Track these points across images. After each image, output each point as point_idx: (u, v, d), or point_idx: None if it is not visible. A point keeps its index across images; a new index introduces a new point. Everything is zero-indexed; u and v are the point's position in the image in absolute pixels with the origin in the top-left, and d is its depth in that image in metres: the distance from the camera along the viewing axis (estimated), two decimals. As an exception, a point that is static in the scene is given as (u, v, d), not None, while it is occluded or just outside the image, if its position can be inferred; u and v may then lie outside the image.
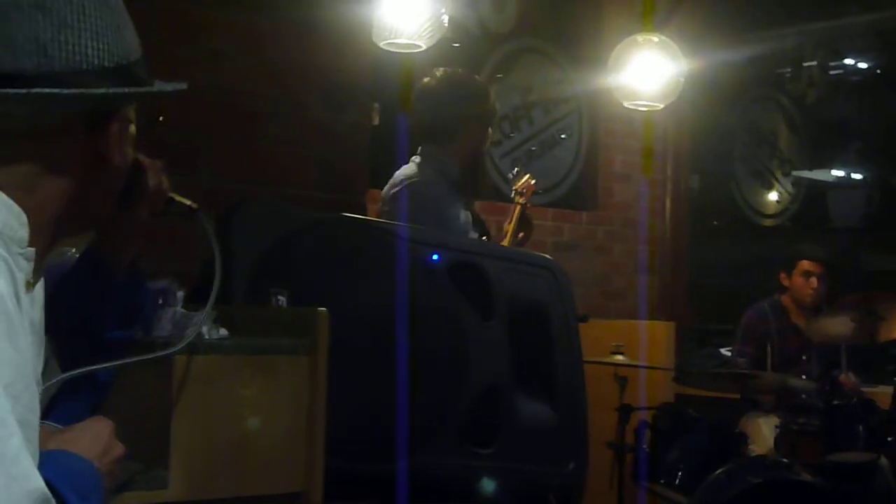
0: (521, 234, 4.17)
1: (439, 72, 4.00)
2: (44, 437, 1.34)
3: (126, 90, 1.38)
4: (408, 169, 3.80)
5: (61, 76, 1.31)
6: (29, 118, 1.33)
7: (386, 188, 3.82)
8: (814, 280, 5.72)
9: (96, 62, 1.34)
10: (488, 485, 2.86)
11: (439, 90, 3.88)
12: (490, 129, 4.02)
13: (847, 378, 5.20)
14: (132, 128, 1.51)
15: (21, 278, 1.30)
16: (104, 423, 1.56)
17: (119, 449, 1.56)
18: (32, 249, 1.34)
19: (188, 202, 1.88)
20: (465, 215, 3.82)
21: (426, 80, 3.97)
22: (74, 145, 1.38)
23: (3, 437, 1.16)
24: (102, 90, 1.34)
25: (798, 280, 5.77)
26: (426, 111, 3.87)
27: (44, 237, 1.37)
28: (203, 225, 1.88)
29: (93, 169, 1.40)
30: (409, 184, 3.70)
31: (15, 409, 1.19)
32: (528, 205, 4.29)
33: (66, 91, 1.31)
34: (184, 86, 1.49)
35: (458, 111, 3.83)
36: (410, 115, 3.95)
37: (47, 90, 1.29)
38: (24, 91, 1.29)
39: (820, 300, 5.74)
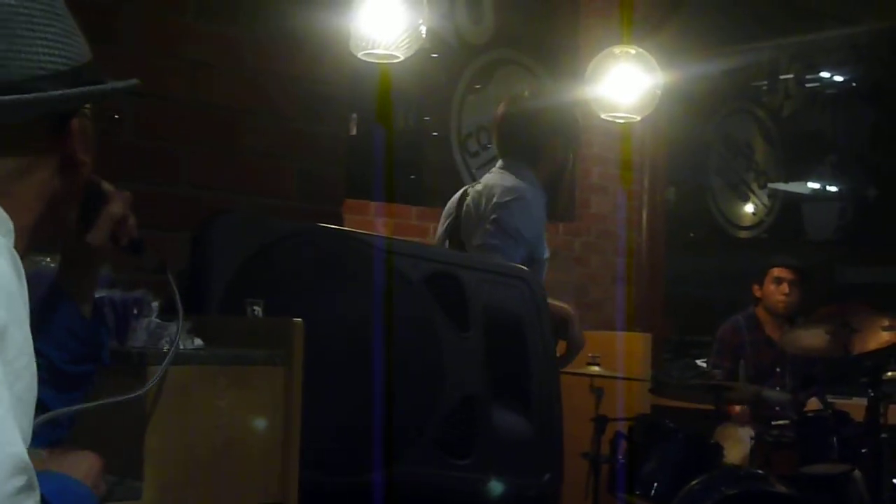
0: None
1: (533, 87, 4.05)
2: (40, 464, 1.36)
3: (84, 89, 1.44)
4: (505, 179, 3.80)
5: (21, 84, 1.37)
6: None
7: (474, 193, 3.82)
8: (785, 286, 5.77)
9: (51, 67, 1.40)
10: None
11: (535, 107, 3.91)
12: (572, 154, 4.04)
13: (815, 403, 5.25)
14: (92, 136, 1.55)
15: (21, 267, 1.32)
16: (94, 458, 1.60)
17: (103, 489, 1.61)
18: (17, 254, 1.36)
19: (156, 256, 1.87)
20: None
21: (521, 93, 4.04)
22: (41, 148, 1.43)
23: None
24: (60, 91, 1.40)
25: (769, 287, 5.81)
26: (519, 126, 3.88)
27: (24, 240, 1.41)
28: (170, 283, 1.89)
29: (62, 171, 1.46)
30: (521, 196, 3.70)
31: (14, 386, 1.20)
32: None
33: (25, 96, 1.36)
34: (135, 81, 1.53)
35: (551, 132, 3.86)
36: (497, 126, 3.97)
37: (12, 97, 1.35)
38: None
39: (792, 307, 5.77)
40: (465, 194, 3.92)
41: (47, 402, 1.71)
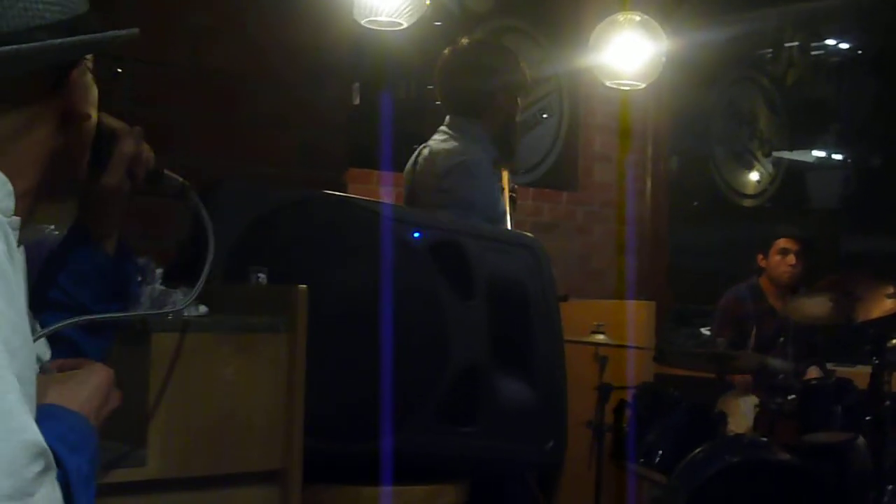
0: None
1: (465, 41, 3.93)
2: (43, 387, 1.35)
3: (83, 37, 1.40)
4: (447, 143, 3.71)
5: (16, 35, 1.33)
6: None
7: (422, 161, 3.73)
8: (791, 257, 5.76)
9: (48, 16, 1.36)
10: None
11: (468, 60, 3.79)
12: (520, 100, 3.91)
13: (814, 372, 5.25)
14: (93, 89, 1.52)
15: (13, 241, 1.31)
16: (104, 373, 1.54)
17: (116, 399, 1.56)
18: (18, 219, 1.35)
19: (179, 178, 1.85)
20: (500, 191, 3.76)
21: (451, 49, 3.86)
22: (41, 103, 1.40)
23: (1, 391, 1.17)
24: (59, 40, 1.36)
25: (775, 258, 5.80)
26: (455, 82, 3.77)
27: (27, 203, 1.39)
28: (194, 203, 1.86)
29: (63, 126, 1.43)
30: (463, 162, 3.62)
31: (12, 365, 1.20)
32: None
33: (23, 46, 1.32)
34: (136, 31, 1.49)
35: (489, 82, 3.73)
36: (438, 82, 3.86)
37: (7, 48, 1.31)
38: None
39: (797, 278, 5.77)
40: (416, 160, 3.83)
41: (80, 343, 1.70)
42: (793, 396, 4.74)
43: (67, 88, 1.43)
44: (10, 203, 1.34)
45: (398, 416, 2.77)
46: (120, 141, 1.71)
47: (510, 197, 4.00)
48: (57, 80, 1.42)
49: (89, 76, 1.50)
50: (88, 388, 1.50)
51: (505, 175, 4.03)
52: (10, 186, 1.34)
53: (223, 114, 3.31)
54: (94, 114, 1.52)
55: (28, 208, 1.40)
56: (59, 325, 1.54)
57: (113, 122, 1.71)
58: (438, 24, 5.87)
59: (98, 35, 1.43)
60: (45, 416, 1.30)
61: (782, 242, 5.80)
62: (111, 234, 1.79)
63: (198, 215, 1.86)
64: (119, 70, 1.64)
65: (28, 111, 1.39)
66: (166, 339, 2.17)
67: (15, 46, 1.32)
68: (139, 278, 2.30)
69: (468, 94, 3.72)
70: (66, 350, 1.59)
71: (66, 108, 1.43)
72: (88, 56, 1.50)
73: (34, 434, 1.20)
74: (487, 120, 3.74)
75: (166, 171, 1.82)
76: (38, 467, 1.19)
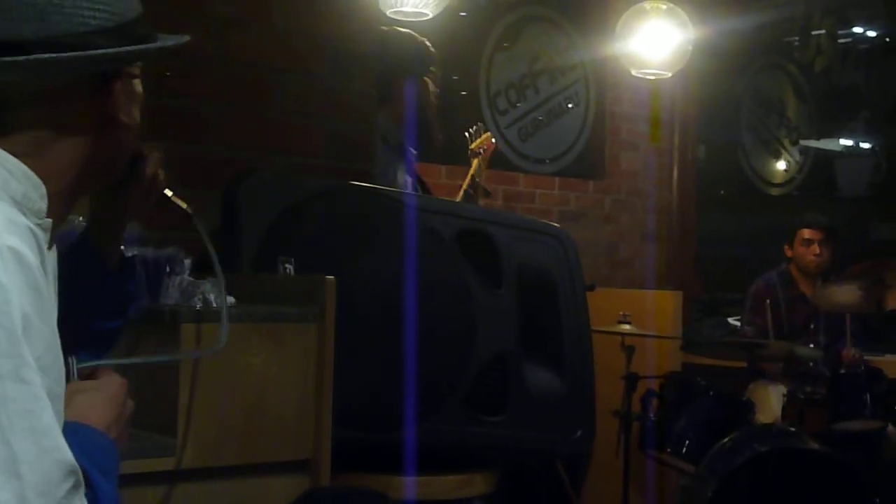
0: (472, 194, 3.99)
1: (377, 30, 3.88)
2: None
3: (126, 49, 1.38)
4: None
5: (61, 40, 1.31)
6: (34, 84, 1.33)
7: None
8: (815, 247, 5.72)
9: (94, 23, 1.34)
10: None
11: (373, 51, 3.73)
12: (431, 86, 3.85)
13: (849, 352, 5.20)
14: (139, 88, 1.51)
15: (45, 247, 1.32)
16: (117, 383, 1.55)
17: (131, 406, 1.56)
18: (50, 221, 1.36)
19: (183, 204, 1.86)
20: (404, 179, 3.71)
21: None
22: (81, 108, 1.39)
23: (36, 410, 1.19)
24: (102, 50, 1.34)
25: (799, 249, 5.77)
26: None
27: (59, 205, 1.39)
28: (197, 228, 1.88)
29: (102, 131, 1.41)
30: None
31: (44, 382, 1.22)
32: (484, 165, 4.09)
33: (64, 55, 1.31)
34: (186, 38, 1.48)
35: (388, 70, 3.67)
36: None
37: (46, 55, 1.30)
38: (23, 58, 1.29)
39: (824, 266, 5.73)
40: None
41: (78, 358, 1.71)
42: (822, 385, 4.72)
43: (109, 96, 1.41)
44: (42, 205, 1.34)
45: (427, 405, 2.78)
46: (142, 162, 1.72)
47: (466, 192, 3.96)
48: (99, 86, 1.39)
49: (136, 82, 1.48)
50: (106, 401, 1.50)
51: (474, 165, 4.00)
52: (43, 189, 1.34)
53: (251, 105, 3.32)
54: (137, 118, 1.50)
55: (61, 210, 1.39)
56: (103, 362, 1.57)
57: (137, 143, 1.71)
58: (464, 14, 5.87)
59: (141, 47, 1.41)
60: (74, 435, 1.31)
61: (805, 233, 5.76)
62: (116, 250, 1.80)
63: (202, 238, 1.88)
64: (168, 73, 1.62)
65: (68, 115, 1.37)
66: (195, 330, 2.18)
67: (54, 55, 1.30)
68: (167, 269, 2.32)
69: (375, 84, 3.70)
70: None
71: (107, 115, 1.41)
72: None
73: (66, 453, 1.22)
74: (390, 107, 3.70)
75: (173, 196, 1.83)
76: (68, 485, 1.21)
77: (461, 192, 4.01)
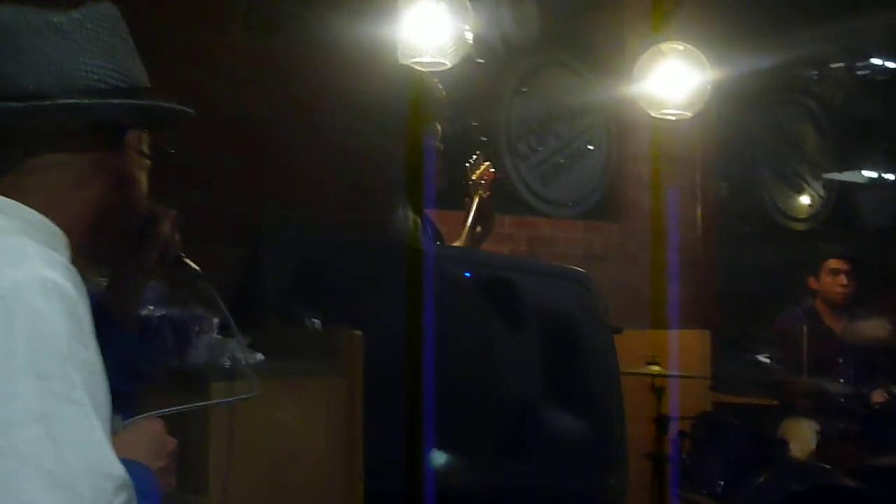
0: (478, 229, 3.91)
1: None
2: None
3: (141, 102, 1.48)
4: None
5: (80, 94, 1.41)
6: (53, 134, 1.42)
7: None
8: (842, 277, 5.69)
9: (111, 83, 1.44)
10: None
11: (388, 99, 3.77)
12: (437, 127, 3.84)
13: (880, 395, 5.16)
14: (146, 161, 1.58)
15: (83, 287, 1.36)
16: (156, 423, 1.61)
17: (172, 443, 1.62)
18: (75, 270, 1.38)
19: (195, 266, 1.88)
20: (406, 218, 3.71)
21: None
22: (95, 163, 1.46)
23: (87, 428, 1.24)
24: (118, 101, 1.44)
25: (826, 279, 5.74)
26: None
27: (78, 258, 1.43)
28: (208, 291, 1.90)
29: (115, 187, 1.49)
30: None
31: (93, 404, 1.27)
32: (486, 195, 4.04)
33: (85, 101, 1.40)
34: (191, 112, 1.57)
35: (397, 115, 3.64)
36: None
37: (68, 101, 1.39)
38: (47, 103, 1.38)
39: (850, 297, 5.70)
40: None
41: None
42: (855, 420, 4.68)
43: (121, 150, 1.49)
44: (66, 254, 1.40)
45: (456, 454, 2.77)
46: (158, 222, 1.76)
47: (480, 202, 3.92)
48: (112, 140, 1.47)
49: (145, 148, 1.55)
50: (145, 439, 1.57)
51: (475, 200, 3.95)
52: (64, 239, 1.41)
53: (269, 160, 3.34)
54: (144, 182, 1.57)
55: (79, 264, 1.43)
56: (145, 414, 1.59)
57: (151, 204, 1.74)
58: (481, 60, 5.90)
59: (155, 102, 1.50)
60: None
61: (832, 263, 5.74)
62: (134, 312, 1.83)
63: (212, 301, 1.90)
64: (172, 151, 1.67)
65: (84, 166, 1.45)
66: (225, 388, 2.18)
67: (75, 101, 1.39)
68: (195, 329, 2.33)
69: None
70: None
71: (119, 170, 1.49)
72: (144, 134, 1.55)
73: (118, 468, 1.26)
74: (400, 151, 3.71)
75: (186, 259, 1.85)
76: (121, 500, 1.25)
77: (466, 228, 3.95)
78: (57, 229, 1.40)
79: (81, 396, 1.24)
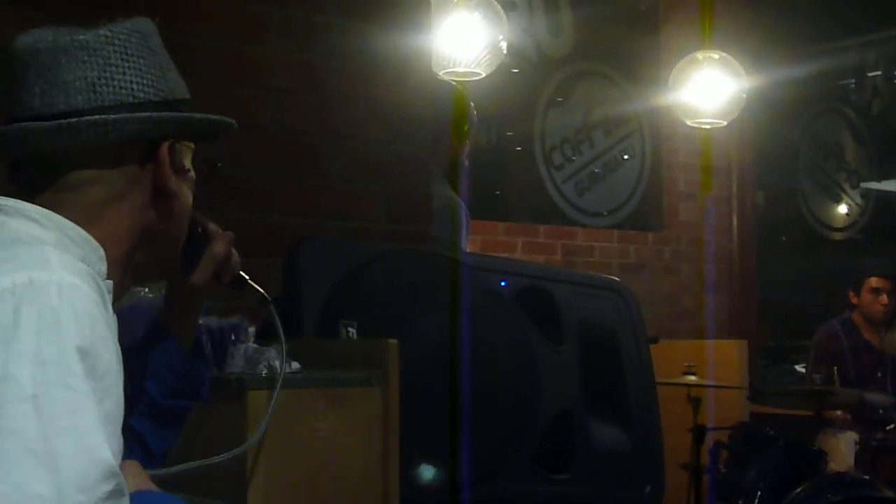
0: None
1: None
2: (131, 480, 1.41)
3: (170, 114, 1.49)
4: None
5: (110, 110, 1.43)
6: (87, 150, 1.43)
7: None
8: (883, 296, 5.66)
9: (142, 96, 1.46)
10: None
11: (424, 110, 3.78)
12: (468, 147, 3.91)
13: None
14: (190, 174, 1.58)
15: (108, 297, 1.37)
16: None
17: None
18: (111, 281, 1.40)
19: (261, 290, 1.89)
20: (446, 198, 3.75)
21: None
22: (130, 176, 1.47)
23: (80, 411, 1.23)
24: (147, 114, 1.45)
25: (867, 297, 5.71)
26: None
27: (118, 273, 1.45)
28: (273, 318, 1.92)
29: (154, 201, 1.50)
30: (442, 202, 3.65)
31: (104, 402, 1.26)
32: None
33: (112, 116, 1.42)
34: (232, 121, 1.59)
35: (442, 119, 3.74)
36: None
37: (96, 117, 1.41)
38: (75, 120, 1.40)
39: (890, 315, 5.67)
40: None
41: (144, 434, 1.74)
42: (895, 432, 4.64)
43: (156, 163, 1.49)
44: (102, 267, 1.41)
45: (493, 465, 2.77)
46: (212, 242, 1.76)
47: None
48: (147, 153, 1.48)
49: (187, 161, 1.56)
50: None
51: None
52: (102, 252, 1.41)
53: (308, 171, 3.36)
54: (187, 195, 1.57)
55: (121, 279, 1.44)
56: (162, 471, 1.63)
57: (206, 222, 1.76)
58: (516, 70, 5.91)
59: (184, 115, 1.51)
60: (139, 499, 1.34)
61: (874, 282, 5.70)
62: (190, 332, 1.83)
63: (275, 327, 1.91)
64: (219, 164, 1.68)
65: (119, 182, 1.46)
66: (262, 397, 2.19)
67: (103, 116, 1.41)
68: (232, 338, 2.34)
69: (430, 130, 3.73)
70: (133, 444, 1.62)
71: (156, 183, 1.50)
72: (185, 146, 1.56)
73: (107, 455, 1.24)
74: (440, 155, 3.76)
75: (250, 280, 1.86)
76: (109, 486, 1.23)
77: None
78: (94, 242, 1.41)
79: (79, 384, 1.23)
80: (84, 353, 1.25)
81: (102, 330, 1.30)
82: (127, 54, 1.46)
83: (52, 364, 1.22)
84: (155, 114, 1.46)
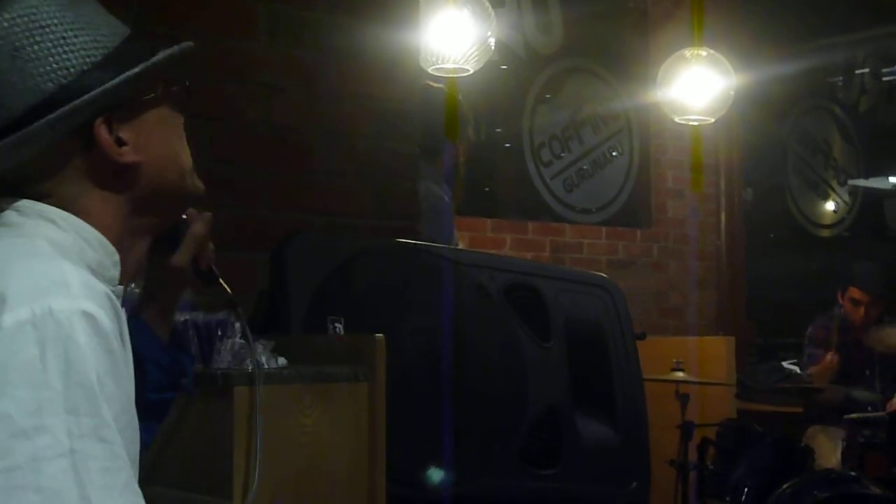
0: None
1: (431, 84, 3.95)
2: None
3: (91, 94, 1.33)
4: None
5: (56, 98, 1.31)
6: (20, 166, 1.33)
7: None
8: (861, 309, 5.70)
9: (80, 64, 1.33)
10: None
11: (429, 108, 3.80)
12: (463, 148, 3.96)
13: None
14: (166, 110, 1.47)
15: (123, 316, 1.35)
16: None
17: None
18: (122, 288, 1.39)
19: (229, 290, 1.87)
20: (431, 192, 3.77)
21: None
22: (82, 166, 1.37)
23: (114, 469, 1.21)
24: (54, 114, 1.31)
25: (848, 305, 5.77)
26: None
27: (123, 258, 1.40)
28: (237, 315, 1.90)
29: (118, 177, 1.39)
30: (435, 201, 3.68)
31: (120, 444, 1.24)
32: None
33: (23, 133, 1.30)
34: (190, 44, 1.43)
35: (431, 130, 3.74)
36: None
37: (33, 126, 1.30)
38: (11, 137, 1.30)
39: (869, 324, 5.70)
40: None
41: None
42: (882, 429, 4.65)
43: (96, 143, 1.36)
44: (115, 273, 1.37)
45: (480, 460, 2.77)
46: (191, 223, 1.72)
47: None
48: (83, 142, 1.36)
49: (162, 108, 1.44)
50: None
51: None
52: (117, 257, 1.37)
53: (296, 168, 3.35)
54: (173, 142, 1.47)
55: (125, 272, 1.41)
56: None
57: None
58: (505, 67, 5.91)
59: (131, 73, 1.35)
60: None
61: (854, 293, 5.74)
62: (167, 321, 1.80)
63: (241, 327, 1.90)
64: (188, 83, 1.52)
65: (75, 175, 1.36)
66: (248, 393, 2.19)
67: (41, 122, 1.30)
68: (218, 333, 2.34)
69: (429, 140, 3.74)
70: None
71: (110, 165, 1.38)
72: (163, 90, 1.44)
73: None
74: (439, 164, 3.79)
75: (221, 280, 1.84)
76: None
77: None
78: (111, 246, 1.36)
79: (111, 435, 1.21)
80: (109, 397, 1.22)
81: (119, 364, 1.27)
82: (42, 29, 1.31)
83: (85, 414, 1.19)
84: (65, 107, 1.30)
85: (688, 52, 4.97)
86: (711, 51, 4.98)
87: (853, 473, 4.29)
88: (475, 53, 4.01)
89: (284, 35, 3.34)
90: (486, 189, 6.05)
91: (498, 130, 6.07)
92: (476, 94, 5.36)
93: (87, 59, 1.34)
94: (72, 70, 1.33)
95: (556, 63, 6.26)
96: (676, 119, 5.13)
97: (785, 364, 6.52)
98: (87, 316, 1.23)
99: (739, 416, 5.23)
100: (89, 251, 1.34)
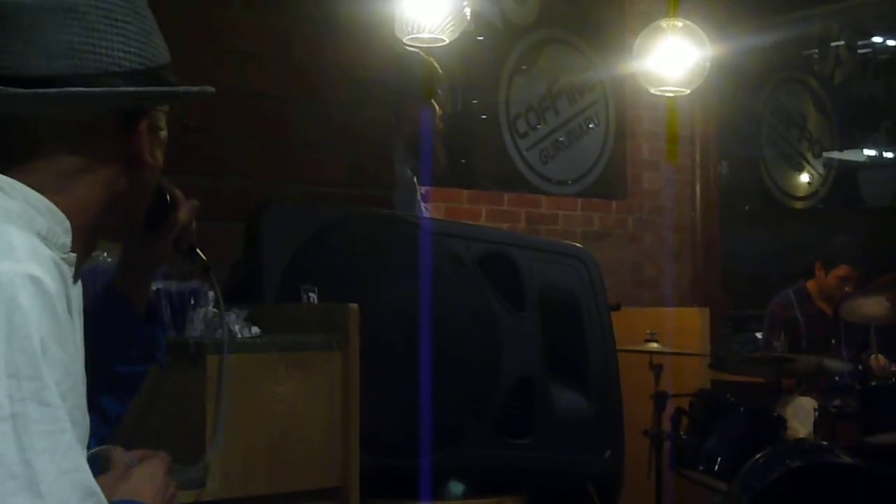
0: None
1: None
2: (108, 488, 1.40)
3: (154, 89, 1.42)
4: None
5: (93, 78, 1.36)
6: (63, 118, 1.37)
7: None
8: (849, 287, 5.68)
9: (126, 65, 1.39)
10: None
11: (386, 76, 3.77)
12: (437, 109, 3.89)
13: (877, 361, 5.17)
14: (163, 134, 1.55)
15: (70, 279, 1.34)
16: (158, 461, 1.60)
17: (173, 487, 1.60)
18: (74, 255, 1.38)
19: (205, 259, 1.88)
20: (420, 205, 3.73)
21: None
22: (107, 146, 1.42)
23: (56, 431, 1.21)
24: (132, 88, 1.39)
25: (833, 280, 5.73)
26: None
27: (83, 240, 1.41)
28: (213, 285, 1.91)
29: (126, 170, 1.44)
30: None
31: (65, 407, 1.23)
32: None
33: (97, 90, 1.35)
34: (211, 89, 1.51)
35: (397, 93, 3.70)
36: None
37: (79, 89, 1.34)
38: (55, 90, 1.33)
39: (846, 298, 5.72)
40: None
41: (101, 401, 1.73)
42: (853, 398, 4.69)
43: (135, 135, 1.44)
44: (67, 240, 1.36)
45: (454, 430, 2.78)
46: (178, 209, 1.75)
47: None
48: (125, 125, 1.43)
49: (161, 124, 1.53)
50: (147, 481, 1.55)
51: None
52: (67, 224, 1.37)
53: (270, 136, 3.34)
54: (160, 160, 1.54)
55: (85, 246, 1.41)
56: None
57: (173, 189, 1.75)
58: (481, 38, 5.89)
59: (168, 89, 1.45)
60: None
61: (844, 270, 5.71)
62: (143, 296, 1.82)
63: (215, 295, 1.91)
64: (191, 124, 1.65)
65: (94, 152, 1.40)
66: (221, 361, 2.19)
67: (86, 89, 1.34)
68: (191, 301, 2.33)
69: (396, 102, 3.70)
70: (96, 416, 1.60)
71: (132, 154, 1.45)
72: (160, 111, 1.53)
73: (86, 475, 1.24)
74: (402, 130, 3.73)
75: (199, 251, 1.85)
76: None
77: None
78: (60, 214, 1.36)
79: (53, 398, 1.21)
80: (52, 361, 1.22)
81: (64, 327, 1.27)
82: (113, 20, 1.39)
83: (27, 377, 1.19)
84: (137, 89, 1.39)
85: (664, 23, 4.98)
86: (687, 21, 4.99)
87: (825, 443, 4.33)
88: (451, 23, 4.01)
89: (260, 2, 3.32)
90: (462, 160, 6.04)
91: (474, 102, 6.06)
92: (452, 65, 5.35)
93: (162, 58, 1.46)
94: (151, 61, 1.43)
95: (532, 34, 6.24)
96: (652, 90, 5.14)
97: (758, 335, 6.55)
98: (32, 279, 1.23)
99: (713, 386, 5.26)
100: (38, 218, 1.34)
